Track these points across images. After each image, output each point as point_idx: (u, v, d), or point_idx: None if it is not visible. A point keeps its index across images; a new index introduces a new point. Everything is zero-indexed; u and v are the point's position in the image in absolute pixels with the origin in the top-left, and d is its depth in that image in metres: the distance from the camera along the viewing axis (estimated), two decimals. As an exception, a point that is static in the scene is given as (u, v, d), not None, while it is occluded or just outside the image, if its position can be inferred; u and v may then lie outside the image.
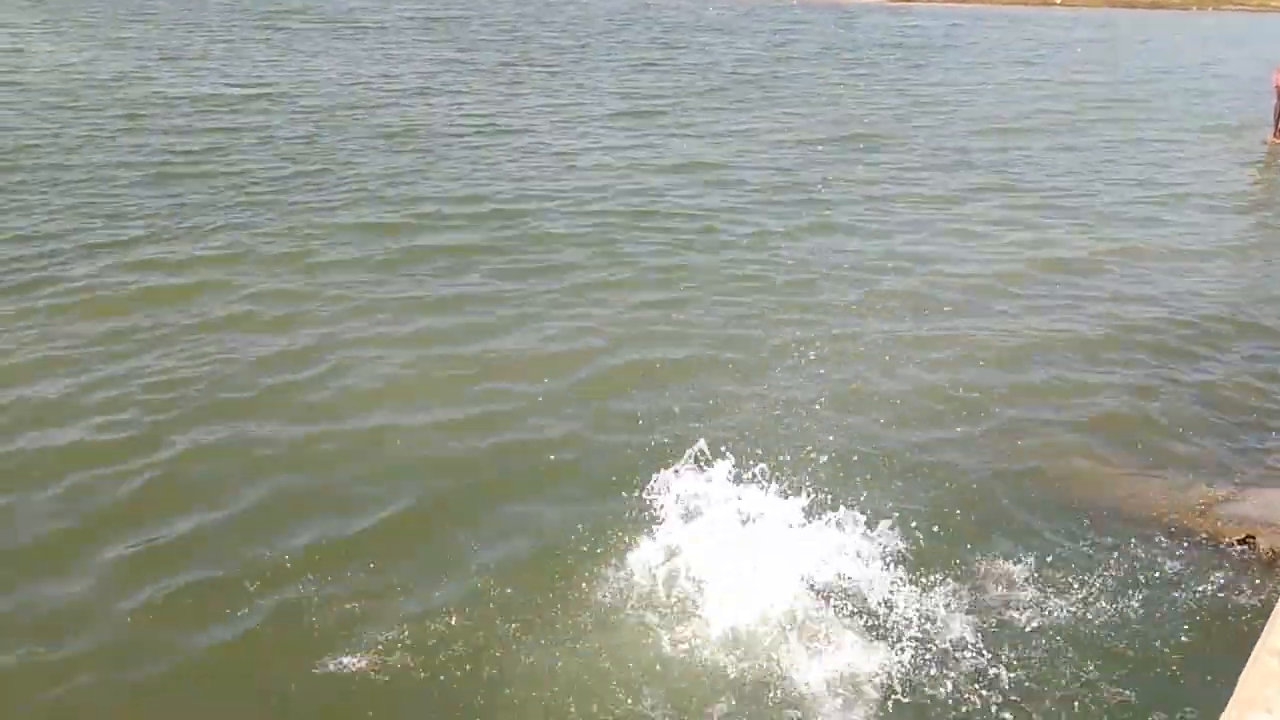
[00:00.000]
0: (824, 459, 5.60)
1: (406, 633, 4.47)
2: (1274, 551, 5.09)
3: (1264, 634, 2.18)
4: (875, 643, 4.44)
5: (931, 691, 4.19)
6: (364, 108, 17.89)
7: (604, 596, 4.72)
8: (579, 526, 5.21)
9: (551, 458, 5.94)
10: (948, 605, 4.68)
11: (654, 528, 5.00)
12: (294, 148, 14.25)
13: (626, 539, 5.04)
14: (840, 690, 4.18)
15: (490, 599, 4.71)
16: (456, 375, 7.13)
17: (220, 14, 37.92)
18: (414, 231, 10.55)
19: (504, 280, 9.11)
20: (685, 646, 4.40)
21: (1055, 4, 71.81)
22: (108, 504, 5.44)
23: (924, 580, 4.86)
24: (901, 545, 4.85)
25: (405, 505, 5.50)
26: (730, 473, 5.10)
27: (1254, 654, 2.12)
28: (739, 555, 4.71)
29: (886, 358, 7.62)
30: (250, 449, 6.05)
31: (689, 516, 4.96)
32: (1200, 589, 4.91)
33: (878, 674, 4.25)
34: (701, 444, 5.05)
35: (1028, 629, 4.60)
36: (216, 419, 6.34)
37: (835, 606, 4.62)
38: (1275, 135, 17.41)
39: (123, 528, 5.24)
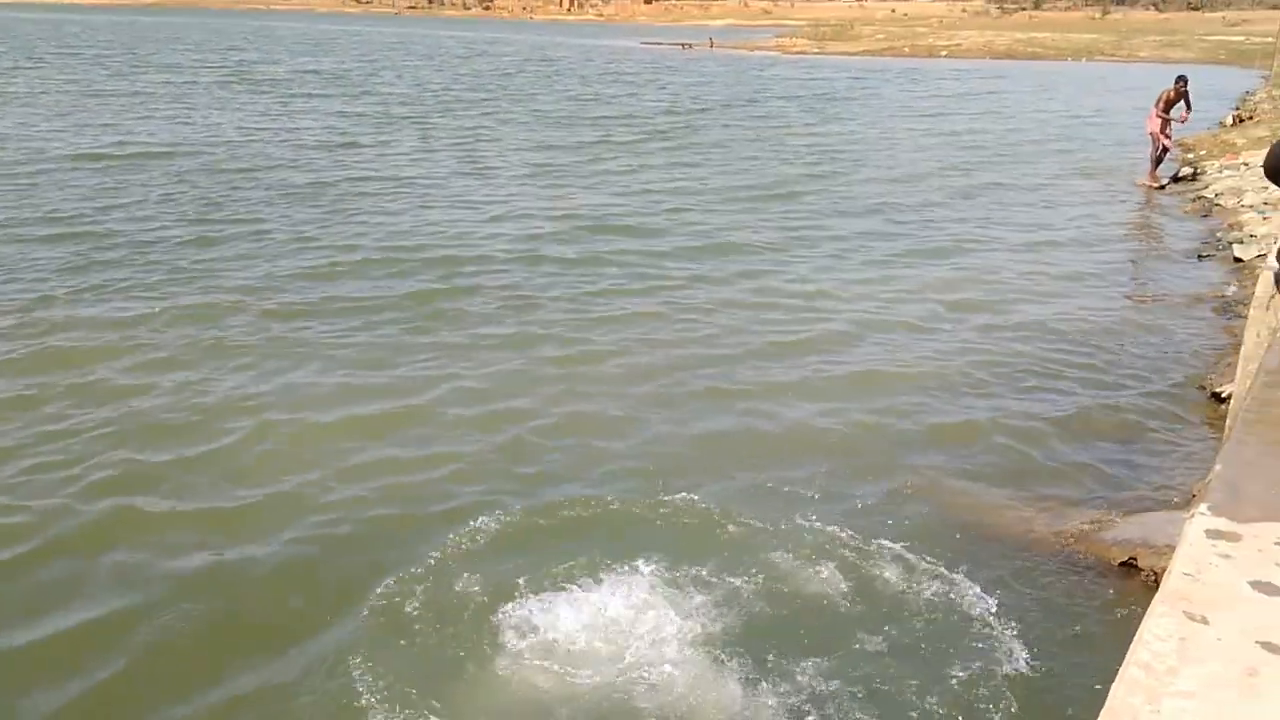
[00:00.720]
0: (710, 494, 5.92)
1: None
2: (1154, 572, 5.40)
3: (1131, 648, 2.38)
4: (756, 684, 4.55)
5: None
6: (266, 164, 17.75)
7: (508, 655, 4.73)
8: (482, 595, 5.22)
9: (471, 520, 5.96)
10: (831, 632, 4.86)
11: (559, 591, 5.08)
12: (196, 206, 14.09)
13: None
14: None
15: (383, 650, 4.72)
16: (367, 431, 7.13)
17: (110, 70, 37.21)
18: (322, 286, 10.51)
19: (414, 334, 9.13)
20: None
21: (941, 54, 75.09)
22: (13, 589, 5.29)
23: (803, 606, 5.04)
24: (781, 575, 5.07)
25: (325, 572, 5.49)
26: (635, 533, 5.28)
27: (1122, 667, 2.32)
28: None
29: (777, 396, 7.93)
30: (149, 511, 5.95)
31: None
32: (1083, 609, 5.19)
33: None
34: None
35: (908, 651, 4.79)
36: (114, 489, 6.22)
37: (699, 650, 4.70)
38: (1149, 178, 18.48)
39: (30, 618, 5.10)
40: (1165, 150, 18.76)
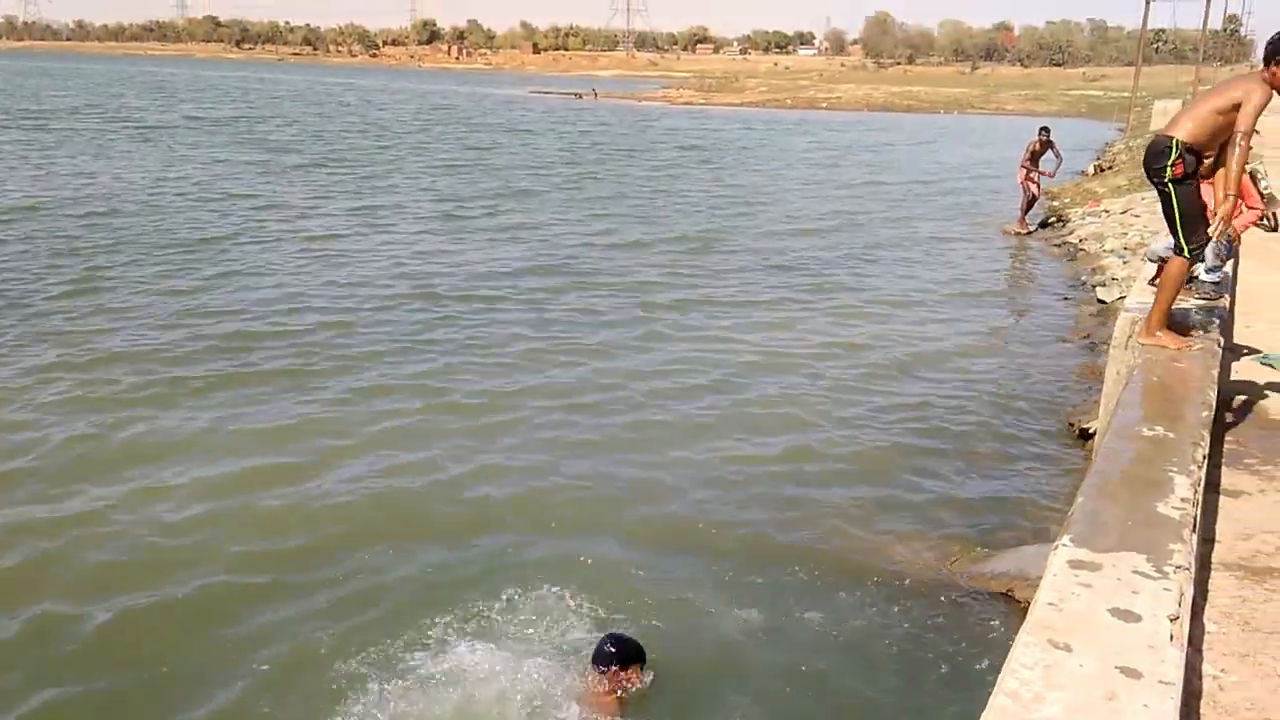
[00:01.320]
0: (599, 536, 6.04)
1: None
2: (1029, 603, 5.59)
3: (1000, 677, 2.47)
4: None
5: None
6: (152, 213, 17.24)
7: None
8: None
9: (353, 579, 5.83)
10: (712, 660, 4.96)
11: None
12: (78, 259, 13.58)
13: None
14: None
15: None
16: (254, 483, 6.92)
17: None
18: (207, 339, 10.21)
19: (310, 391, 8.90)
20: None
21: (822, 106, 77.78)
22: None
23: (685, 636, 5.12)
24: (663, 610, 5.17)
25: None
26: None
27: (991, 696, 2.40)
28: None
29: (670, 437, 8.08)
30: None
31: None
32: (960, 640, 5.35)
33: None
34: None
35: (784, 676, 4.90)
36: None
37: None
38: (1019, 225, 19.38)
39: None
40: (1034, 198, 19.73)
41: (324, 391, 8.86)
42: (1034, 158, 19.47)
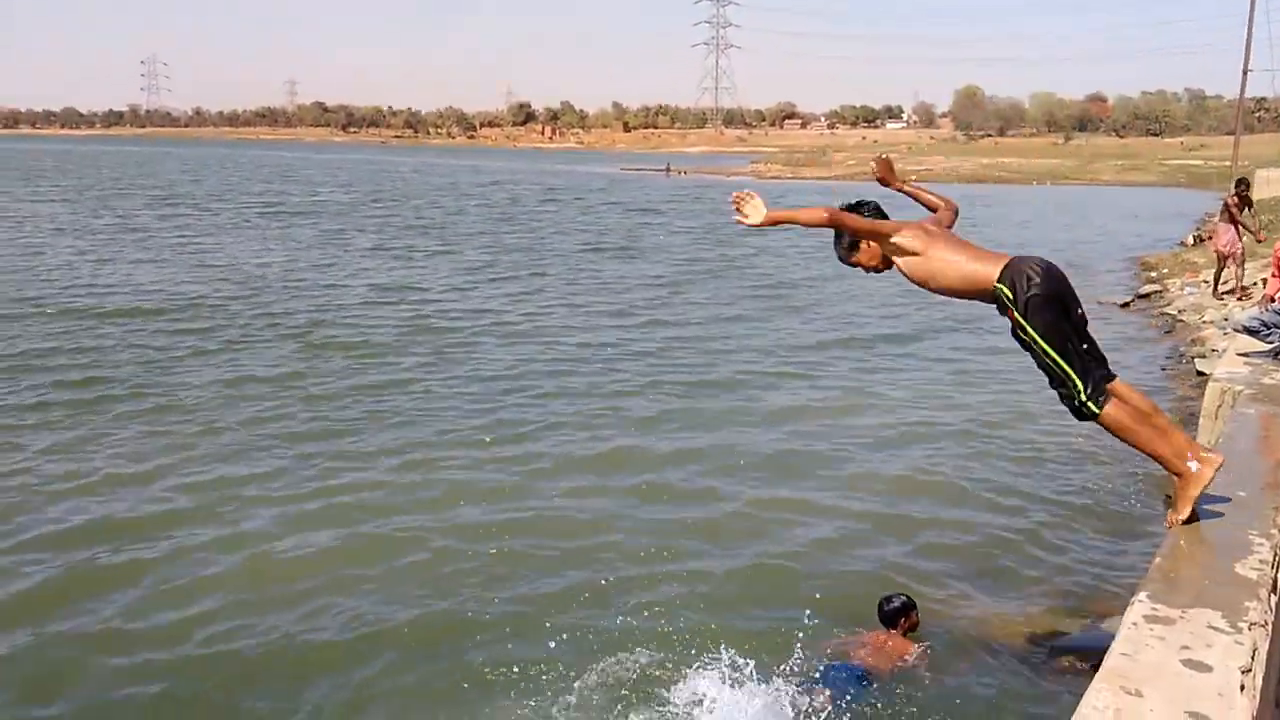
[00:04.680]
0: (668, 598, 6.22)
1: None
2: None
3: (1071, 718, 2.61)
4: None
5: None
6: (290, 296, 18.16)
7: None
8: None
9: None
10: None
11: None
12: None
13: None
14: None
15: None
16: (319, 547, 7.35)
17: (116, 207, 37.88)
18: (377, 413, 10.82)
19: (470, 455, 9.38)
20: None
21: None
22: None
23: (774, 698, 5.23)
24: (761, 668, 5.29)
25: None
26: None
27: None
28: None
29: (777, 503, 8.28)
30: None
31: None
32: (1047, 710, 5.37)
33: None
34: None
35: None
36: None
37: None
38: (1237, 287, 16.71)
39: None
40: (1229, 258, 16.65)
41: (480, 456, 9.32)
42: (1233, 218, 16.37)
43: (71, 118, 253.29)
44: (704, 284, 20.69)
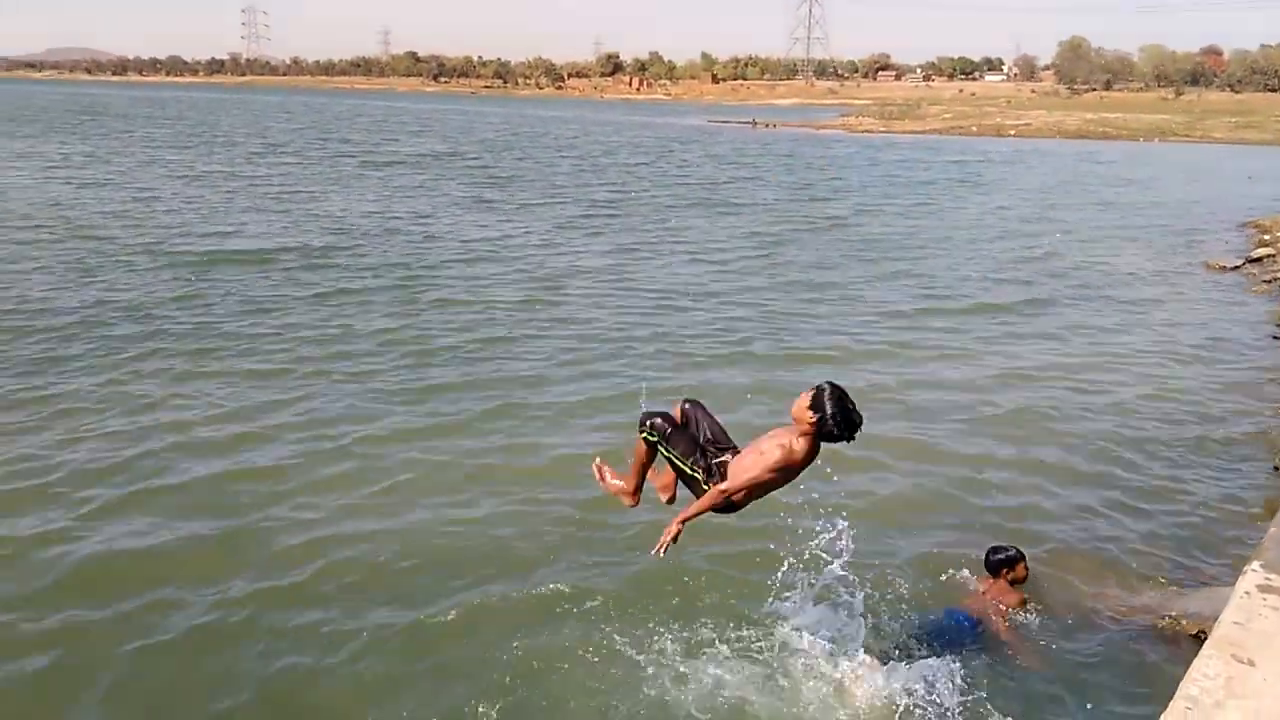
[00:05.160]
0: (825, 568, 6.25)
1: None
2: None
3: (1180, 685, 2.68)
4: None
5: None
6: (392, 246, 18.62)
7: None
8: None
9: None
10: (914, 681, 5.15)
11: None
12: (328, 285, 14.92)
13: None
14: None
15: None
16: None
17: (228, 154, 38.96)
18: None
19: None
20: None
21: (1009, 134, 75.42)
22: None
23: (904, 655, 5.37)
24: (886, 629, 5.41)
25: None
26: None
27: (1171, 701, 2.62)
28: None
29: (876, 469, 8.26)
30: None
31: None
32: (1153, 679, 5.35)
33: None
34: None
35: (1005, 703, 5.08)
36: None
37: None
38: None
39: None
40: None
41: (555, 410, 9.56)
42: None
43: (176, 66, 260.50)
44: (802, 241, 20.53)
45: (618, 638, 5.53)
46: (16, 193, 23.01)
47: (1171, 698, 2.85)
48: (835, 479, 7.66)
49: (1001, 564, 6.12)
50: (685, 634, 5.57)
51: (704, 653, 5.39)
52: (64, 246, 16.51)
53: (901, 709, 4.98)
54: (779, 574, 5.81)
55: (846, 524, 5.47)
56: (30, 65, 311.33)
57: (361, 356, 10.96)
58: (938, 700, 4.99)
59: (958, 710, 4.97)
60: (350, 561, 6.46)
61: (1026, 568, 6.15)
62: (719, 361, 11.23)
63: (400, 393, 9.88)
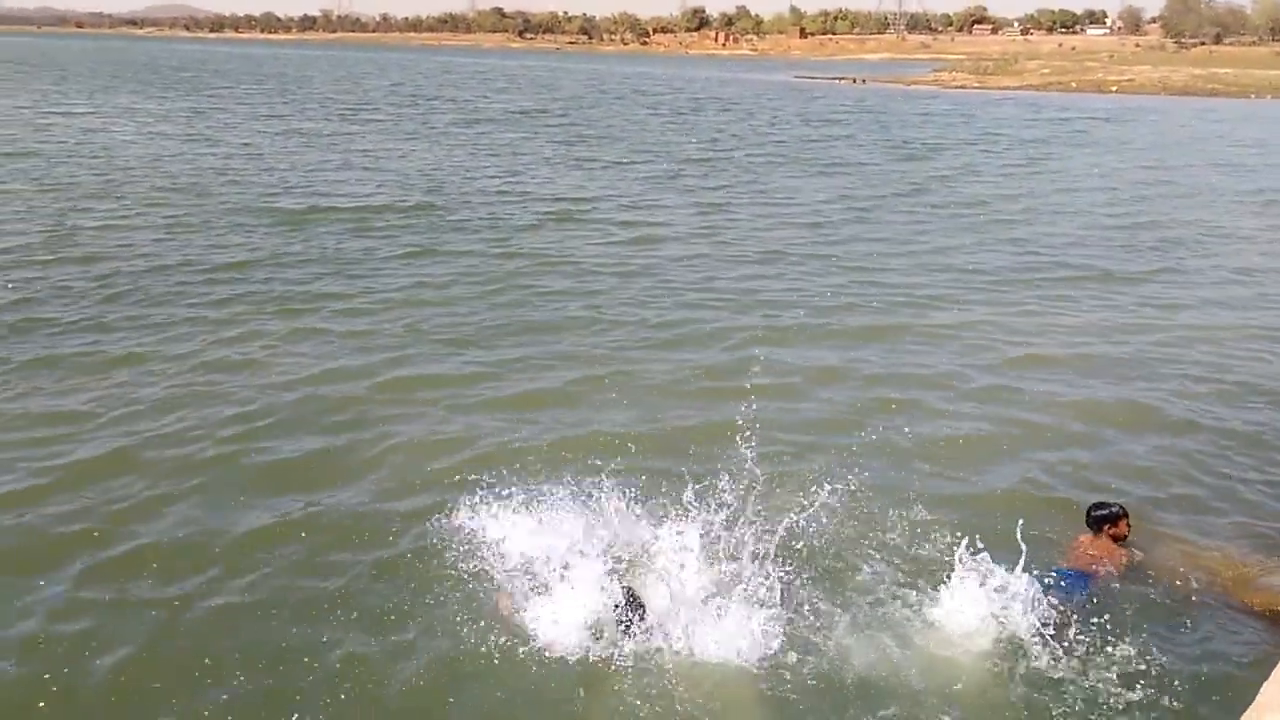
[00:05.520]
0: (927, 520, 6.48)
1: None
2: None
3: (1275, 670, 2.74)
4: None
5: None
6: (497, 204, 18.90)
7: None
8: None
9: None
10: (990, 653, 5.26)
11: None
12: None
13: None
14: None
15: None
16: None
17: (318, 111, 39.63)
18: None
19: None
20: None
21: (1111, 90, 72.62)
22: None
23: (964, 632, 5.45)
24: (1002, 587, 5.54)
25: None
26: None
27: (1274, 670, 2.69)
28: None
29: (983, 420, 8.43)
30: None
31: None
32: (1232, 651, 5.40)
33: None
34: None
35: (1104, 668, 5.15)
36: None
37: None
38: None
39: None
40: None
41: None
42: None
43: (270, 23, 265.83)
44: (900, 203, 20.22)
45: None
46: (121, 149, 23.87)
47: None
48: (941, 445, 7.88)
49: (1104, 520, 6.18)
50: (820, 598, 5.67)
51: (838, 621, 5.48)
52: (167, 203, 17.11)
53: (1015, 665, 5.10)
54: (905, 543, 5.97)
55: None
56: (132, 23, 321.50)
57: (452, 318, 11.11)
58: (1054, 657, 5.13)
59: (1072, 665, 5.09)
60: (446, 534, 6.39)
61: (1129, 525, 6.20)
62: (816, 331, 11.10)
63: (493, 359, 9.89)
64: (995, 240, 16.58)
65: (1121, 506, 6.26)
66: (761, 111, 45.39)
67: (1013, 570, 5.44)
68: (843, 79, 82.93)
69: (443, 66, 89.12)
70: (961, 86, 75.32)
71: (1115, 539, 6.15)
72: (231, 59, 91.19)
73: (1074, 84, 75.80)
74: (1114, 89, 73.33)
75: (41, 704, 4.82)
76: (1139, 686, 5.01)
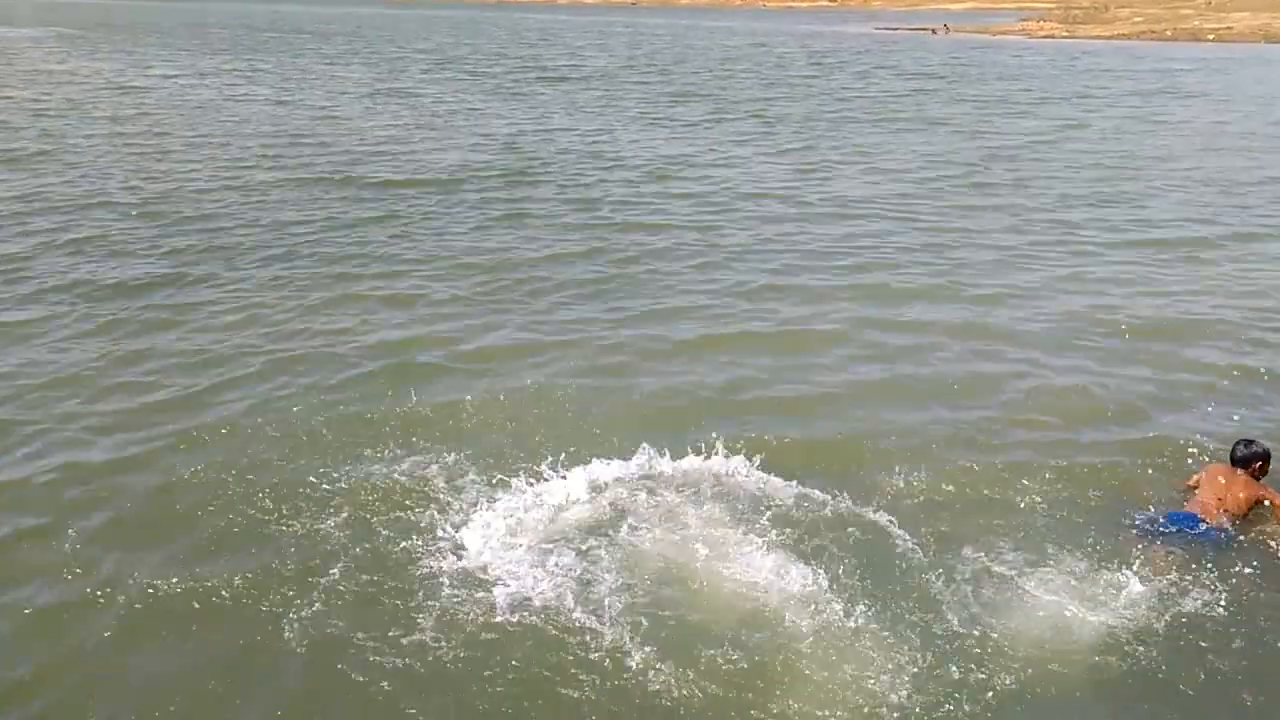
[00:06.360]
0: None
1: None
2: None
3: None
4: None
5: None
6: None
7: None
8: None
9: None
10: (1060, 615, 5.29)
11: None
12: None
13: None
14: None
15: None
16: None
17: (397, 69, 39.60)
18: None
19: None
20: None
21: (1208, 39, 69.37)
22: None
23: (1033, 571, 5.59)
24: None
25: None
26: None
27: None
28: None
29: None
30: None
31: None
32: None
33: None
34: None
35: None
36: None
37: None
38: None
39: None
40: None
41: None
42: None
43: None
44: (1001, 161, 19.57)
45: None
46: (203, 113, 24.16)
47: None
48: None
49: (1251, 458, 6.24)
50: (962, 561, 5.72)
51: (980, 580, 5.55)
52: (250, 167, 17.26)
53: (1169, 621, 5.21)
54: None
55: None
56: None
57: (537, 285, 11.00)
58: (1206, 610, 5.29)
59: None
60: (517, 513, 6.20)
61: (1267, 469, 6.33)
62: (917, 296, 10.80)
63: (577, 322, 9.87)
64: (1107, 199, 16.10)
65: (1269, 448, 6.35)
66: (846, 66, 44.29)
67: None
68: (926, 29, 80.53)
69: (517, 23, 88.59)
70: (1049, 36, 72.67)
71: (1255, 478, 6.26)
72: (309, 19, 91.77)
73: (1169, 32, 72.63)
74: (1210, 37, 70.06)
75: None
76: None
